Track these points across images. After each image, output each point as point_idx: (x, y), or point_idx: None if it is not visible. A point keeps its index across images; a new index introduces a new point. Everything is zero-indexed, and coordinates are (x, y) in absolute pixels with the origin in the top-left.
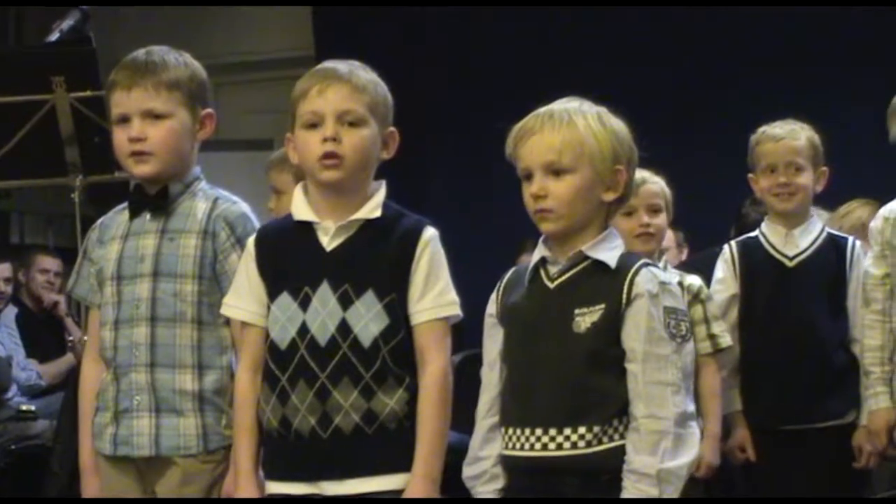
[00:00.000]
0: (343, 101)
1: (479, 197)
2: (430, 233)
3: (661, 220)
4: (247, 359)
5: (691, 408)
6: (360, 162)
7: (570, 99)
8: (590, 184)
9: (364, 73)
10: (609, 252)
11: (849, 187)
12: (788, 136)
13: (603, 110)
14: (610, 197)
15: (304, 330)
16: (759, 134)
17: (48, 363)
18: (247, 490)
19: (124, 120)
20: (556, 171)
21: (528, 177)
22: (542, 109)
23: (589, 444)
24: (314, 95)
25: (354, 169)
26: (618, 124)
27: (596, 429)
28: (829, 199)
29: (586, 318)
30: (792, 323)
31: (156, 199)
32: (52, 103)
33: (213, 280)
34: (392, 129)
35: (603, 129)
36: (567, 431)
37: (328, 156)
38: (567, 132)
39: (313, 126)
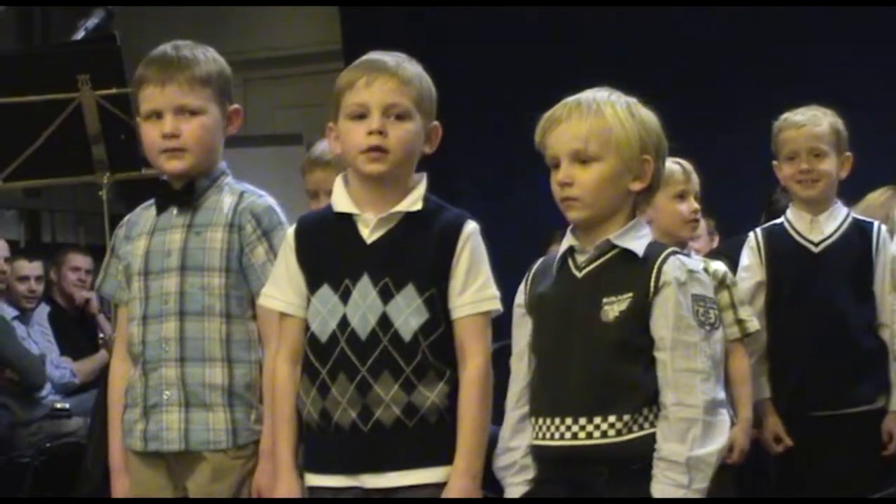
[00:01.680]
0: (390, 95)
1: (508, 189)
2: (472, 227)
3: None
4: (286, 350)
5: (721, 395)
6: (404, 156)
7: (600, 88)
8: (616, 173)
9: (411, 66)
10: (637, 241)
11: (875, 174)
12: (810, 122)
13: (633, 100)
14: (637, 186)
15: (344, 323)
16: (782, 121)
17: (82, 360)
18: (287, 481)
19: (156, 115)
20: (582, 160)
21: (556, 165)
22: (571, 98)
23: (619, 433)
24: (361, 87)
25: (398, 162)
26: (647, 115)
27: (626, 417)
28: (854, 186)
29: (614, 307)
30: (819, 309)
31: (182, 194)
32: (77, 101)
33: (240, 273)
34: (435, 123)
35: (631, 118)
36: (597, 420)
37: (373, 149)
38: (594, 121)
39: (359, 117)
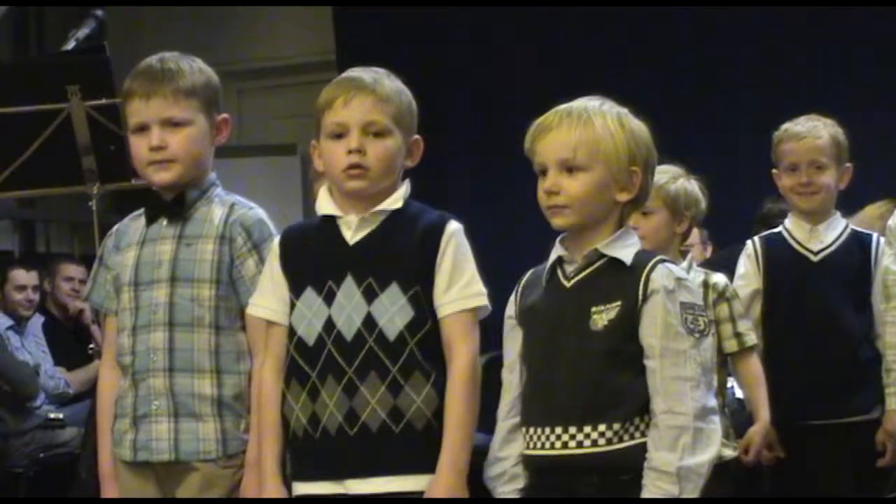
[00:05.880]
0: (368, 113)
1: (502, 199)
2: (455, 226)
3: (654, 221)
4: (272, 359)
5: (712, 402)
6: (384, 172)
7: (592, 97)
8: (604, 183)
9: (389, 82)
10: (624, 249)
11: (874, 186)
12: (810, 134)
13: (624, 111)
14: (624, 197)
15: (329, 325)
16: (782, 131)
17: (75, 371)
18: (272, 491)
19: (143, 128)
20: (570, 169)
21: (543, 172)
22: (562, 106)
23: (609, 442)
24: (339, 106)
25: (379, 178)
26: (637, 126)
27: (616, 426)
28: (853, 198)
29: (603, 316)
30: (816, 317)
31: (172, 205)
32: (67, 112)
33: (230, 285)
34: (417, 136)
35: (621, 129)
36: (587, 429)
37: (353, 167)
38: (583, 130)
39: (339, 136)
